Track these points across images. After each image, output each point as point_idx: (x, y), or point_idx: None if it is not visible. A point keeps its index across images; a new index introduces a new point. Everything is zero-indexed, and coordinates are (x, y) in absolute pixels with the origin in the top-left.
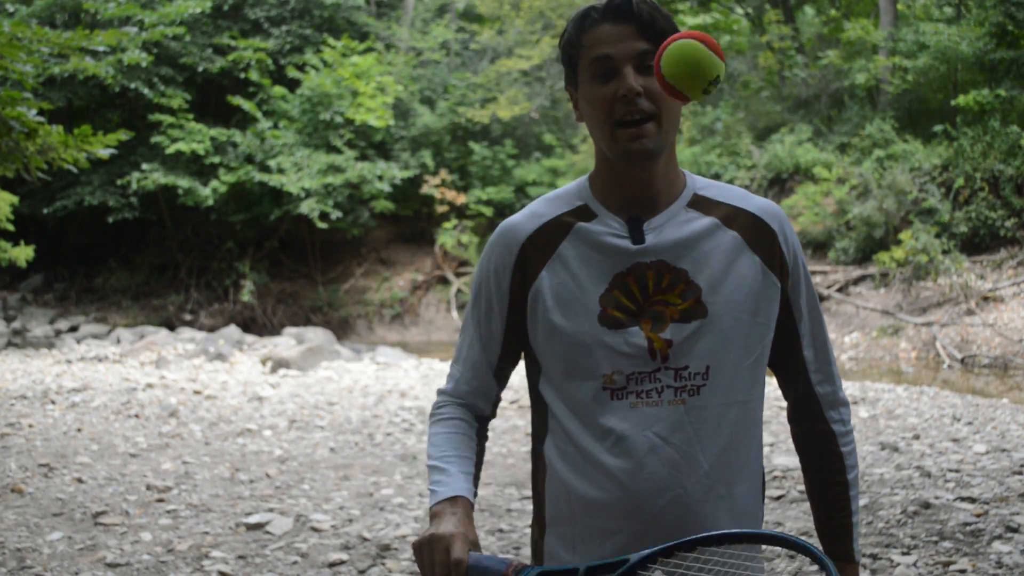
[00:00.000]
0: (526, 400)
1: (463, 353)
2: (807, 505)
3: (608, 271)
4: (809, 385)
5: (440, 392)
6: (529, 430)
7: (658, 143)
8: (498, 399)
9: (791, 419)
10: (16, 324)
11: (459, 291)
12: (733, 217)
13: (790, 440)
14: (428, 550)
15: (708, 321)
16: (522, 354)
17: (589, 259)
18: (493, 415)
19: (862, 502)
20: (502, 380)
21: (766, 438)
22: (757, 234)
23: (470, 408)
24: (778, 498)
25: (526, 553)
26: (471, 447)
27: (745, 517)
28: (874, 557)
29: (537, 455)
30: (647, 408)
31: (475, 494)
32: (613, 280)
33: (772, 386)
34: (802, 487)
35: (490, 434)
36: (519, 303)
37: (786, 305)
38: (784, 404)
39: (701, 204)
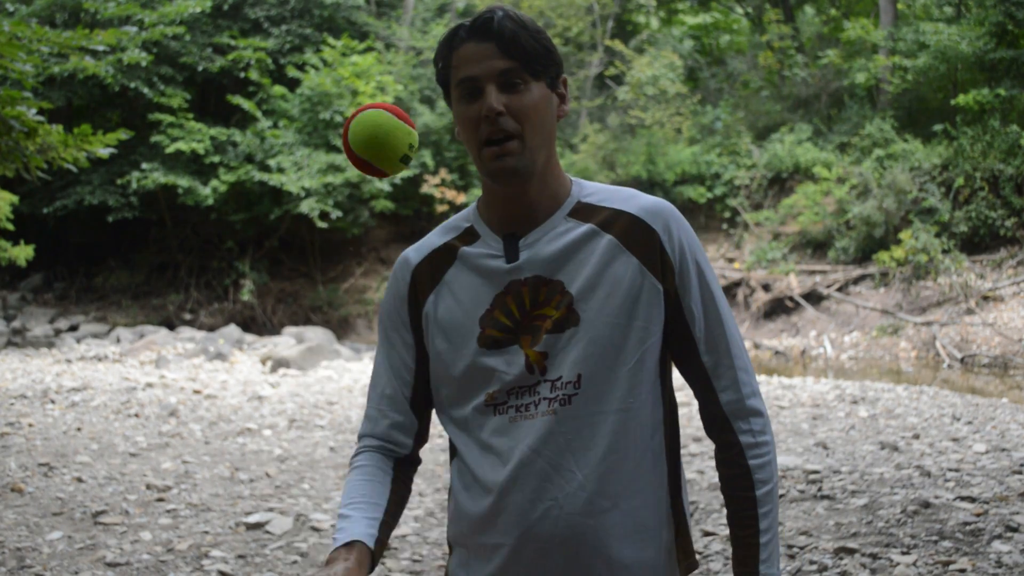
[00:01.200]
0: None
1: (377, 388)
2: (807, 505)
3: (489, 293)
4: (712, 392)
5: (359, 438)
6: None
7: (522, 161)
8: (421, 436)
9: (704, 430)
10: (16, 323)
11: None
12: (612, 221)
13: (790, 440)
14: None
15: (580, 328)
16: None
17: (471, 283)
18: (415, 455)
19: (861, 501)
20: (421, 415)
21: None
22: (635, 235)
23: (388, 450)
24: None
25: None
26: (382, 492)
27: (642, 533)
28: (874, 557)
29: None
30: (524, 421)
31: (379, 539)
32: (494, 301)
33: (771, 385)
34: (802, 486)
35: (418, 478)
36: (419, 331)
37: (676, 307)
38: (782, 405)
39: (582, 212)
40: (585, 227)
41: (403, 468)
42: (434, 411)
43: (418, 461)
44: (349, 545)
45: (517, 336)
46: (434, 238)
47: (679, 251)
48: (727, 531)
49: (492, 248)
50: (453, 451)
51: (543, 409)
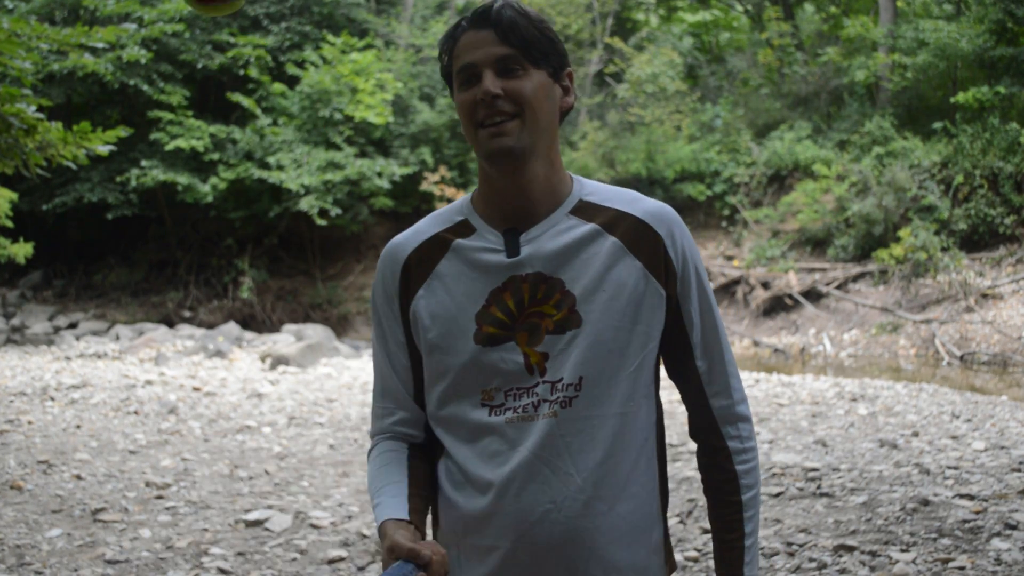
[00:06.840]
0: None
1: (379, 385)
2: (806, 502)
3: (485, 288)
4: (703, 397)
5: (370, 437)
6: None
7: (521, 141)
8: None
9: (690, 433)
10: (15, 321)
11: None
12: (616, 222)
13: (789, 437)
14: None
15: (582, 331)
16: None
17: (466, 276)
18: (429, 443)
19: (860, 499)
20: (425, 406)
21: (766, 435)
22: (639, 238)
23: (399, 438)
24: (777, 495)
25: None
26: (401, 469)
27: (635, 535)
28: (873, 554)
29: (435, 475)
30: (523, 423)
31: (412, 508)
32: (490, 296)
33: (771, 383)
34: (801, 484)
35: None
36: (410, 326)
37: (675, 313)
38: (781, 403)
39: (585, 210)
40: (588, 226)
41: (418, 448)
42: None
43: (435, 446)
44: (381, 525)
45: (513, 333)
46: (424, 226)
47: (682, 257)
48: None
49: (490, 242)
50: (439, 450)
51: (544, 411)
